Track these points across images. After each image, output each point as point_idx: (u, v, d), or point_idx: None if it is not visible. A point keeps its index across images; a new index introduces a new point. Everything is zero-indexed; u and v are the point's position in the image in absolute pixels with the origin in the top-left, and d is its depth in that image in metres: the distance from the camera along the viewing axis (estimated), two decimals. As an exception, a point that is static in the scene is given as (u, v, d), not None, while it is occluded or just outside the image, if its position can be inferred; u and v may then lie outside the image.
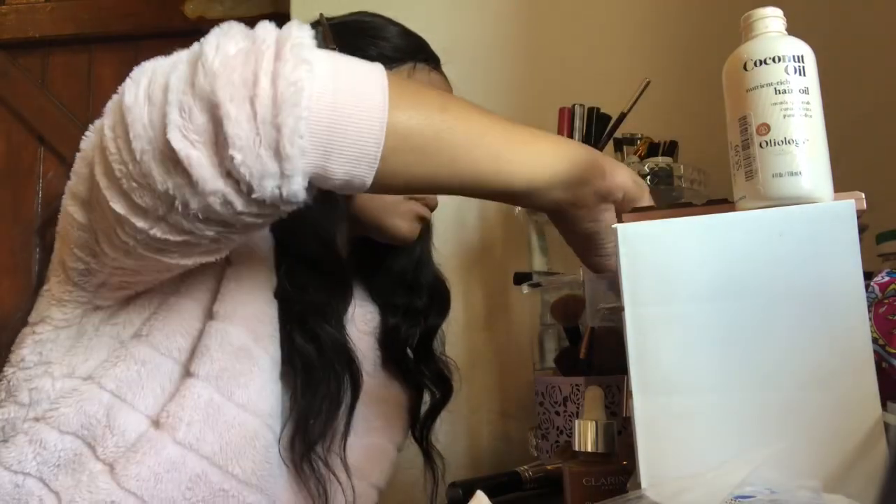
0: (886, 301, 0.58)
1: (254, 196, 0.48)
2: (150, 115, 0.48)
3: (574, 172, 0.60)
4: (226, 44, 0.47)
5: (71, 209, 0.59)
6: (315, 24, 0.81)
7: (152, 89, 0.48)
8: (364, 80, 0.50)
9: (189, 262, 0.57)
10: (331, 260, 0.74)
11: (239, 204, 0.49)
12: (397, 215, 0.80)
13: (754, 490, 0.43)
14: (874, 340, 0.53)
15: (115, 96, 0.53)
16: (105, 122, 0.51)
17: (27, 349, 0.64)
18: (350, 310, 0.81)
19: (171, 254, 0.55)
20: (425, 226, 0.87)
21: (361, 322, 0.84)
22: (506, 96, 1.30)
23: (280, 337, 0.69)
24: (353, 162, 0.50)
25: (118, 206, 0.50)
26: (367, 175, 0.51)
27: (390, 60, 0.79)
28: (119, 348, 0.64)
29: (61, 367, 0.64)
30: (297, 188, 0.49)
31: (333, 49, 0.76)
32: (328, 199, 0.71)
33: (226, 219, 0.51)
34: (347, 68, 0.51)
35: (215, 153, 0.47)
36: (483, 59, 1.31)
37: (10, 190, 1.67)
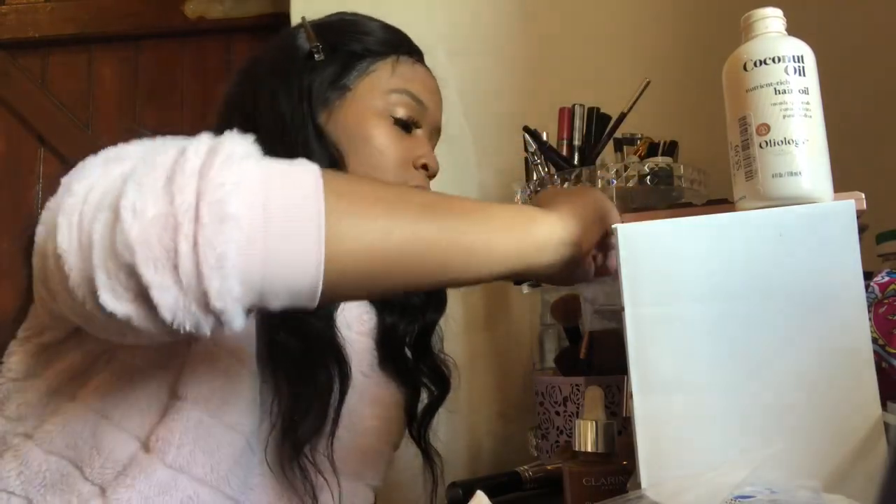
0: (886, 301, 0.58)
1: (197, 333, 0.48)
2: (82, 267, 0.46)
3: (554, 264, 0.58)
4: (143, 204, 0.45)
5: (41, 290, 0.57)
6: (298, 28, 0.82)
7: (81, 237, 0.46)
8: (299, 215, 0.47)
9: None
10: None
11: (187, 334, 0.48)
12: None
13: (754, 490, 0.43)
14: (874, 340, 0.53)
15: (47, 213, 0.50)
16: (48, 247, 0.49)
17: (16, 359, 0.64)
18: (346, 311, 0.80)
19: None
20: None
21: (358, 323, 0.84)
22: (506, 96, 1.30)
23: (260, 343, 0.68)
24: (293, 298, 0.48)
25: (77, 320, 0.51)
26: (309, 304, 0.49)
27: (374, 55, 0.80)
28: (104, 368, 0.64)
29: (48, 383, 0.63)
30: (237, 323, 0.47)
31: (317, 47, 0.78)
32: None
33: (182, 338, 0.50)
34: (280, 205, 0.46)
35: (150, 307, 0.46)
36: (483, 60, 1.31)
37: (9, 190, 1.67)
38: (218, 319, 0.46)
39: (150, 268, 0.44)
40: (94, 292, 0.46)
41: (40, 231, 0.55)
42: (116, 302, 0.46)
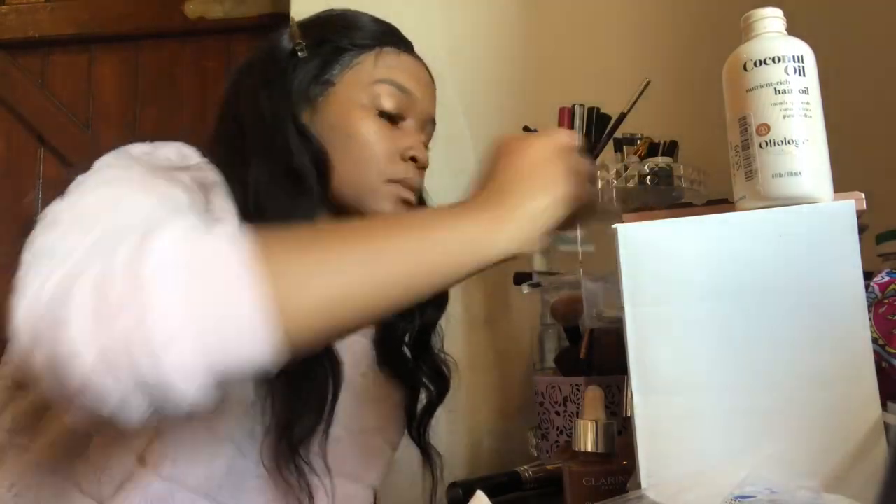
0: (886, 301, 0.58)
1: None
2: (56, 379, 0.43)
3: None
4: (83, 348, 0.42)
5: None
6: (286, 27, 0.81)
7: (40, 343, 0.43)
8: (229, 300, 0.43)
9: None
10: None
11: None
12: (377, 200, 0.76)
13: (754, 490, 0.43)
14: (874, 340, 0.53)
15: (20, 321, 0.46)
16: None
17: (10, 369, 0.64)
18: None
19: None
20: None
21: None
22: (506, 96, 1.30)
23: None
24: (254, 366, 0.45)
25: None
26: (276, 361, 0.45)
27: (358, 48, 0.79)
28: None
29: (42, 397, 0.63)
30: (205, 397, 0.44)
31: (300, 45, 0.77)
32: (300, 187, 0.70)
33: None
34: (209, 306, 0.43)
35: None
36: (483, 59, 1.31)
37: (10, 190, 1.67)
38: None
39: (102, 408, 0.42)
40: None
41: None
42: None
